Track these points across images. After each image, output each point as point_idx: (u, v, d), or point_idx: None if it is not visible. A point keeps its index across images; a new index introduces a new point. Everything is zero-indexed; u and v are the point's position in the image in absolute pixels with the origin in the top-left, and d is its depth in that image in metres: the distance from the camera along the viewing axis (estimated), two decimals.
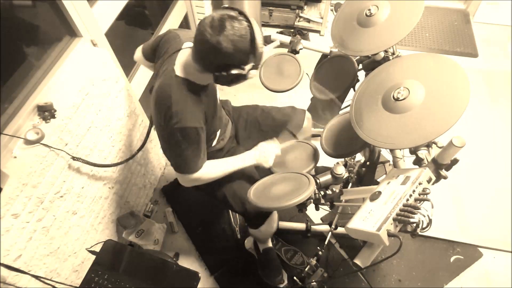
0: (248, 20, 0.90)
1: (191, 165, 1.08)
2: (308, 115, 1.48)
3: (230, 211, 1.85)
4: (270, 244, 1.63)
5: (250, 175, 1.31)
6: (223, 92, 1.33)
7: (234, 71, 0.93)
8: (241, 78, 0.97)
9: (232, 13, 0.90)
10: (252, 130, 1.45)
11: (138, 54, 1.30)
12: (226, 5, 0.93)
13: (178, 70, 1.02)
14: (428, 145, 0.98)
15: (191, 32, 1.02)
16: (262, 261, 1.62)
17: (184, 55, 1.04)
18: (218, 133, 1.28)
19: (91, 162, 1.30)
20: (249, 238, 1.72)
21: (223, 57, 0.90)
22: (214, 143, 1.30)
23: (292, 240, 1.73)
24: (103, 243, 1.22)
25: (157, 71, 1.12)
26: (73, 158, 1.21)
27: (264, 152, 1.22)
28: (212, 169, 1.14)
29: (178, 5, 2.32)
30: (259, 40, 0.91)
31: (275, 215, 1.37)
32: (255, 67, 0.97)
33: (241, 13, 0.91)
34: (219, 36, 0.87)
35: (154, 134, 1.37)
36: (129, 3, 1.74)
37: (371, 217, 0.81)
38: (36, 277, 1.11)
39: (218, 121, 1.25)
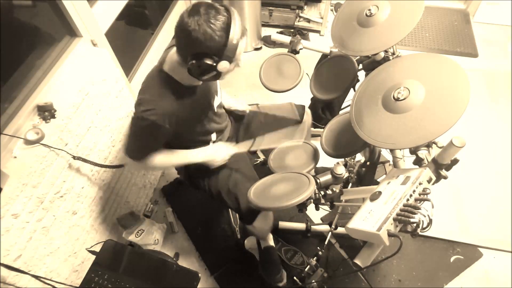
0: (227, 10, 0.88)
1: (140, 154, 1.10)
2: (307, 110, 1.49)
3: (230, 211, 1.85)
4: (271, 243, 1.64)
5: (246, 173, 1.32)
6: (223, 92, 1.32)
7: (205, 61, 0.88)
8: (212, 70, 0.90)
9: (216, 4, 0.88)
10: (252, 129, 1.46)
11: None
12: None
13: (166, 65, 1.03)
14: (428, 145, 0.98)
15: None
16: (262, 259, 1.62)
17: (174, 52, 1.03)
18: (213, 135, 1.28)
19: (91, 161, 1.30)
20: (249, 238, 1.72)
21: (194, 43, 0.87)
22: (210, 144, 1.30)
23: (292, 240, 1.73)
24: (103, 243, 1.22)
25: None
26: (74, 157, 1.21)
27: (218, 151, 1.23)
28: (159, 161, 1.15)
29: (178, 5, 2.32)
30: (234, 32, 0.86)
31: (269, 212, 1.38)
32: (228, 60, 0.91)
33: (226, 7, 0.89)
34: (190, 19, 0.85)
35: None
36: (129, 3, 1.74)
37: (371, 217, 0.81)
38: (36, 277, 1.11)
39: (210, 125, 1.24)
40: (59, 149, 1.15)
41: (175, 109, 1.02)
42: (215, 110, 1.24)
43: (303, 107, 1.49)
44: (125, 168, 1.60)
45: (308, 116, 1.50)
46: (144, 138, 1.07)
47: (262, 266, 1.61)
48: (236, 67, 1.00)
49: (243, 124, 1.48)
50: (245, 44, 0.96)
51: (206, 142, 1.28)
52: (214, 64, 0.89)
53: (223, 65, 0.90)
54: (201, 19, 0.84)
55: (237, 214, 1.83)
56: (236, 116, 1.48)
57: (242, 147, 1.29)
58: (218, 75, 0.94)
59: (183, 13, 0.88)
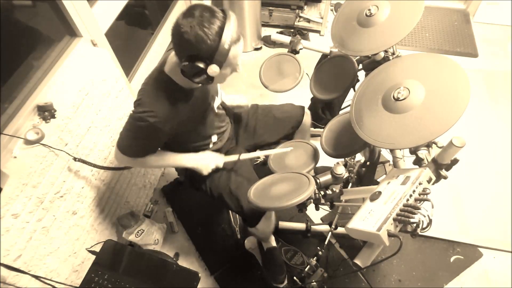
0: (223, 13, 0.87)
1: (132, 151, 1.10)
2: (307, 111, 1.49)
3: (230, 211, 1.85)
4: (274, 244, 1.64)
5: (247, 175, 1.32)
6: (223, 93, 1.32)
7: (196, 64, 0.87)
8: (203, 72, 0.89)
9: (213, 7, 0.87)
10: (252, 130, 1.46)
11: None
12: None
13: (166, 66, 1.02)
14: (428, 145, 0.98)
15: None
16: (265, 260, 1.62)
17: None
18: (213, 137, 1.28)
19: (93, 164, 1.30)
20: (249, 238, 1.72)
21: (186, 45, 0.87)
22: (211, 146, 1.30)
23: (292, 240, 1.73)
24: (103, 243, 1.22)
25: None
26: (75, 159, 1.21)
27: (205, 159, 1.22)
28: (149, 161, 1.14)
29: (178, 5, 2.32)
30: (227, 36, 0.86)
31: (272, 214, 1.37)
32: (218, 65, 0.90)
33: (223, 11, 0.88)
34: (183, 20, 0.85)
35: None
36: (129, 3, 1.74)
37: (371, 217, 0.81)
38: (36, 277, 1.11)
39: (211, 127, 1.24)
40: (59, 150, 1.15)
41: (174, 112, 1.02)
42: (215, 111, 1.24)
43: (303, 108, 1.48)
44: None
45: (307, 117, 1.50)
46: (140, 137, 1.06)
47: (265, 267, 1.61)
48: (233, 71, 1.00)
49: (243, 125, 1.48)
50: (241, 50, 0.95)
51: (207, 144, 1.27)
52: (205, 67, 0.88)
53: (213, 69, 0.89)
54: (194, 21, 0.84)
55: (237, 215, 1.83)
56: (235, 117, 1.47)
57: (230, 158, 1.28)
58: (210, 79, 0.93)
59: (179, 14, 0.88)
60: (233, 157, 1.27)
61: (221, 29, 0.85)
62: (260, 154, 1.31)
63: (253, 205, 0.99)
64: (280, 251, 1.68)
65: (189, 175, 1.36)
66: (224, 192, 1.28)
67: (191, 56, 0.88)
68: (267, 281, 1.59)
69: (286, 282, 1.59)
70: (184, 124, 1.08)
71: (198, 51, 0.87)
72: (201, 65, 0.88)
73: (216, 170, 1.26)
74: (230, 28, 0.86)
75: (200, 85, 1.07)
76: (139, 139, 1.07)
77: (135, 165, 1.17)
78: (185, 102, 1.05)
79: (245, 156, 1.26)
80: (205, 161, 1.21)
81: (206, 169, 1.22)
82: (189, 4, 2.35)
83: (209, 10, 0.86)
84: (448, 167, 0.91)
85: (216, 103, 1.23)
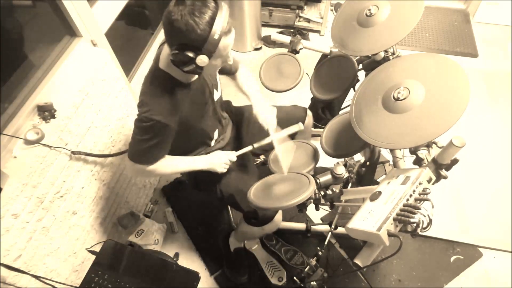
0: (216, 5, 0.86)
1: (145, 157, 1.07)
2: (309, 112, 1.49)
3: (230, 211, 1.85)
4: (242, 245, 1.68)
5: (254, 174, 1.31)
6: (223, 92, 1.32)
7: (186, 53, 0.86)
8: (191, 62, 0.88)
9: None
10: (254, 129, 1.45)
11: None
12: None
13: (161, 62, 1.02)
14: (428, 145, 0.98)
15: None
16: (232, 259, 1.66)
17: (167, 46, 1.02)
18: (215, 133, 1.27)
19: (92, 154, 1.30)
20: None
21: (176, 33, 0.86)
22: (213, 143, 1.30)
23: (292, 240, 1.73)
24: (103, 243, 1.22)
25: None
26: (73, 152, 1.21)
27: (219, 159, 1.21)
28: (162, 167, 1.12)
29: None
30: (217, 26, 0.84)
31: (279, 213, 1.38)
32: (207, 55, 0.88)
33: (215, 1, 0.86)
34: (175, 8, 0.84)
35: None
36: (129, 3, 1.74)
37: (371, 217, 0.81)
38: (36, 277, 1.11)
39: (212, 122, 1.24)
40: (59, 147, 1.15)
41: (176, 107, 1.02)
42: (215, 106, 1.24)
43: (305, 109, 1.47)
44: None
45: (309, 119, 1.49)
46: (148, 139, 1.04)
47: (229, 267, 1.66)
48: (224, 63, 0.99)
49: (244, 124, 1.47)
50: (231, 41, 0.93)
51: (209, 140, 1.27)
52: (194, 57, 0.87)
53: (201, 59, 0.87)
54: (185, 9, 0.82)
55: (236, 213, 1.83)
56: (237, 118, 1.47)
57: (242, 151, 1.27)
58: (199, 68, 0.91)
59: (171, 2, 0.86)
60: (246, 149, 1.25)
61: (212, 19, 0.84)
62: (272, 138, 1.21)
63: (253, 205, 0.99)
64: (280, 251, 1.68)
65: (193, 176, 1.35)
66: (235, 192, 1.27)
67: (181, 44, 0.86)
68: (233, 280, 1.63)
69: (285, 280, 1.59)
70: (185, 118, 1.07)
71: (188, 40, 0.85)
72: (190, 54, 0.86)
73: (227, 172, 1.25)
74: (222, 19, 0.85)
75: (196, 77, 1.06)
76: (147, 141, 1.04)
77: (149, 175, 1.14)
78: (185, 96, 1.05)
79: (257, 145, 1.23)
80: (218, 160, 1.21)
81: (220, 167, 1.21)
82: None
83: None
84: (448, 167, 0.91)
85: (216, 96, 1.23)
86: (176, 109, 1.02)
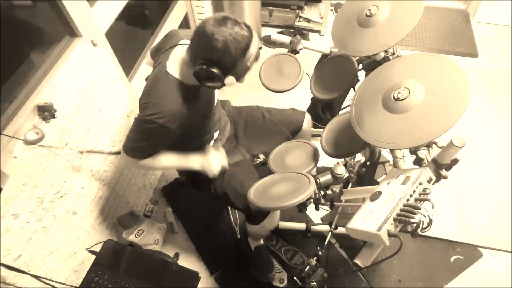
0: (250, 32, 0.91)
1: (139, 152, 1.09)
2: (308, 116, 1.48)
3: (229, 211, 1.85)
4: (262, 241, 1.66)
5: (250, 174, 1.32)
6: (223, 92, 1.32)
7: (214, 70, 0.91)
8: (217, 80, 0.94)
9: (240, 22, 0.91)
10: (252, 130, 1.45)
11: (148, 58, 1.30)
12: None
13: (169, 66, 1.03)
14: (428, 145, 0.98)
15: (191, 30, 1.02)
16: (254, 258, 1.64)
17: (179, 51, 1.04)
18: (215, 134, 1.28)
19: (97, 151, 1.29)
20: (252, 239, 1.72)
21: (211, 50, 0.89)
22: (212, 143, 1.30)
23: (292, 240, 1.73)
24: (103, 243, 1.22)
25: (154, 65, 1.14)
26: (80, 152, 1.21)
27: (210, 160, 1.23)
28: (155, 162, 1.14)
29: (178, 5, 2.32)
30: (251, 53, 0.92)
31: (277, 211, 1.38)
32: (235, 77, 0.95)
33: (247, 25, 0.92)
34: (217, 28, 0.87)
35: None
36: (129, 3, 1.74)
37: (371, 217, 0.81)
38: (36, 277, 1.10)
39: (213, 123, 1.25)
40: (60, 147, 1.15)
41: (182, 111, 1.02)
42: (215, 105, 1.24)
43: (304, 113, 1.48)
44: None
45: (308, 123, 1.49)
46: (148, 139, 1.06)
47: (254, 266, 1.63)
48: (237, 82, 1.03)
49: (242, 125, 1.47)
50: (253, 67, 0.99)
51: (209, 140, 1.27)
52: (222, 76, 0.93)
53: (230, 80, 0.94)
54: (227, 31, 0.87)
55: (237, 215, 1.83)
56: (235, 118, 1.47)
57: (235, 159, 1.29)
58: (221, 86, 0.97)
59: (209, 19, 0.90)
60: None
61: (247, 46, 0.90)
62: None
63: (253, 205, 0.99)
64: (280, 251, 1.68)
65: (190, 175, 1.36)
66: (229, 191, 1.28)
67: (211, 61, 0.91)
68: (260, 279, 1.61)
69: (286, 281, 1.59)
70: (190, 121, 1.08)
71: (221, 60, 0.91)
72: (219, 73, 0.92)
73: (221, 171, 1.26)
74: (255, 48, 0.92)
75: None
76: (145, 140, 1.06)
77: (141, 167, 1.17)
78: (192, 100, 1.06)
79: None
80: (211, 162, 1.22)
81: (211, 172, 1.22)
82: (189, 5, 2.37)
83: (238, 24, 0.90)
84: (448, 167, 0.91)
85: (216, 97, 1.24)
86: (181, 113, 1.03)
